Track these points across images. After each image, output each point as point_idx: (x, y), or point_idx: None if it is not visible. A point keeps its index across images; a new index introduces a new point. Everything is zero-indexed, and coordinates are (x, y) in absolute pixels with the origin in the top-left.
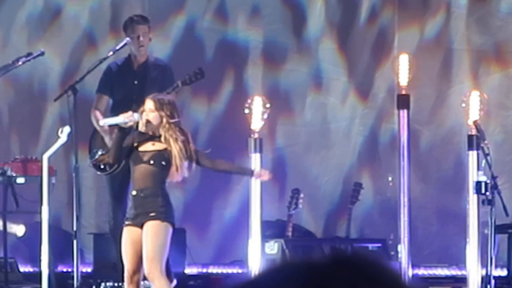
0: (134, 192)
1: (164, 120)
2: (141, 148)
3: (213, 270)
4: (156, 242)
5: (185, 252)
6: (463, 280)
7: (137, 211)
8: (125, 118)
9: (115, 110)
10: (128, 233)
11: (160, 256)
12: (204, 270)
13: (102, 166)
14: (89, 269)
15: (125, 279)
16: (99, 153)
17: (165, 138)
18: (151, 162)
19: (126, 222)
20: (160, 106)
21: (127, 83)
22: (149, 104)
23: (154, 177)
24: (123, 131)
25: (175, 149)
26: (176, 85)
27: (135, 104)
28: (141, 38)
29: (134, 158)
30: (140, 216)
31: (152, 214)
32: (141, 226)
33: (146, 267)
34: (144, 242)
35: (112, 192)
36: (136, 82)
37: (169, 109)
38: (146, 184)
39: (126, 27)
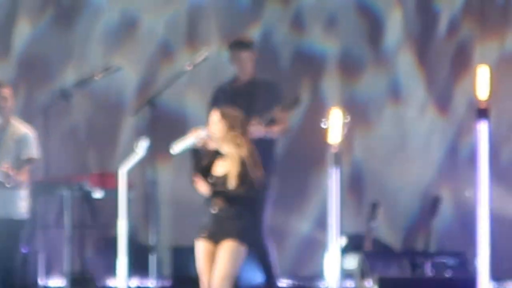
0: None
1: (226, 129)
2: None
3: (290, 283)
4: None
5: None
6: None
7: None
8: (193, 138)
9: None
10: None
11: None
12: (283, 285)
13: None
14: (167, 284)
15: None
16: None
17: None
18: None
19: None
20: (223, 116)
21: (233, 101)
22: (214, 115)
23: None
24: (196, 154)
25: (240, 155)
26: (274, 111)
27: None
28: (241, 64)
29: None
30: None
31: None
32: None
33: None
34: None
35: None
36: (242, 100)
37: (234, 120)
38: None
39: (229, 49)
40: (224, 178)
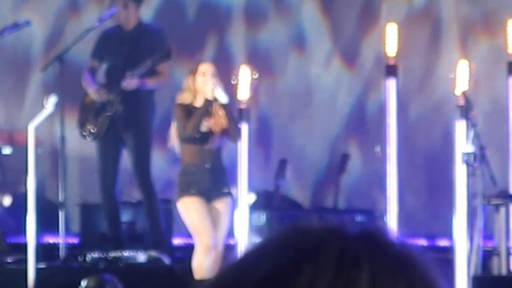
0: (208, 165)
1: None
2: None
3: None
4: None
5: (171, 223)
6: (451, 251)
7: (210, 185)
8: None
9: (108, 75)
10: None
11: None
12: (191, 241)
13: (84, 133)
14: (75, 240)
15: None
16: (88, 121)
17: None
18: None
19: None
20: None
21: (118, 49)
22: (211, 68)
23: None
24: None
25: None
26: (146, 65)
27: (127, 70)
28: (128, 10)
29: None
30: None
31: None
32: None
33: (221, 242)
34: (220, 218)
35: (105, 163)
36: (126, 48)
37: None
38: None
39: None
40: (208, 134)
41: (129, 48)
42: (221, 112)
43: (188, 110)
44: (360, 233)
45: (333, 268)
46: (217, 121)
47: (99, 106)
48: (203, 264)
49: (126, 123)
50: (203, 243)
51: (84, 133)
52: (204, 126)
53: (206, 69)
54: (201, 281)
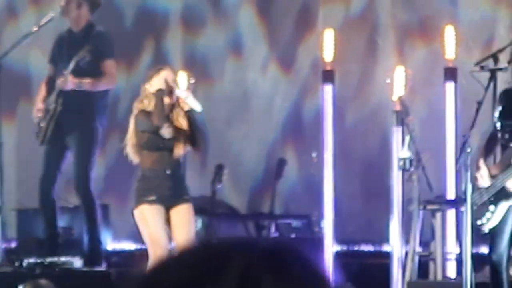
0: (169, 171)
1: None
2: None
3: (136, 246)
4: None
5: (108, 228)
6: (387, 256)
7: (170, 191)
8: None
9: (53, 79)
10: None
11: None
12: (127, 247)
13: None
14: (11, 245)
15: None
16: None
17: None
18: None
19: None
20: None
21: (68, 53)
22: (172, 73)
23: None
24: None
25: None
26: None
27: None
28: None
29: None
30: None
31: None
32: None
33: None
34: (185, 223)
35: (46, 167)
36: (75, 50)
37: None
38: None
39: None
40: (172, 140)
41: (74, 48)
42: (182, 119)
43: (148, 118)
44: (268, 250)
45: None
46: (179, 127)
47: (45, 111)
48: None
49: (70, 126)
50: (156, 254)
51: (36, 136)
52: (168, 133)
53: (167, 74)
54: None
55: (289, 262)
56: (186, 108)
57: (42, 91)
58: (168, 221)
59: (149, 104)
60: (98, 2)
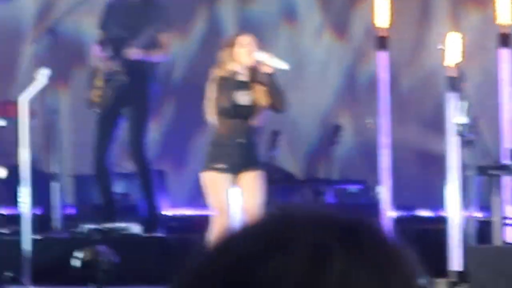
0: (242, 140)
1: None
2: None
3: (191, 211)
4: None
5: (164, 194)
6: (444, 221)
7: (241, 159)
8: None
9: (113, 47)
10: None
11: None
12: (184, 212)
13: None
14: (70, 211)
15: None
16: (94, 90)
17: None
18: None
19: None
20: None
21: (122, 20)
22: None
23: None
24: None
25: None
26: (148, 34)
27: (128, 41)
28: None
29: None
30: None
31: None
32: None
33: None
34: (254, 190)
35: (100, 134)
36: (131, 19)
37: None
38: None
39: None
40: (250, 108)
41: (134, 19)
42: (262, 84)
43: (227, 84)
44: (343, 223)
45: (305, 259)
46: (259, 94)
47: (106, 77)
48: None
49: (128, 95)
50: (218, 220)
51: (88, 102)
52: (245, 100)
53: (248, 40)
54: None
55: (365, 238)
56: (268, 71)
57: (97, 56)
58: (238, 186)
59: (226, 71)
60: None
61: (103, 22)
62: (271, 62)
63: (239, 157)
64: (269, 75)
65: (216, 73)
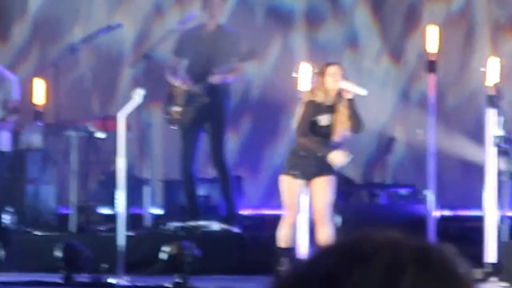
0: (320, 154)
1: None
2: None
3: (263, 211)
4: None
5: (241, 196)
6: (481, 219)
7: (314, 168)
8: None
9: (189, 71)
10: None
11: None
12: (258, 212)
13: (169, 119)
14: (159, 212)
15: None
16: (175, 109)
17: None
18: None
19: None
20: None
21: (198, 48)
22: (340, 70)
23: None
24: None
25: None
26: (233, 63)
27: (209, 67)
28: (211, 9)
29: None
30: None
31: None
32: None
33: (320, 212)
34: (320, 193)
35: (185, 146)
36: (206, 47)
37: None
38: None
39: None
40: (329, 128)
41: (209, 47)
42: (345, 108)
43: (315, 107)
44: (416, 246)
45: (382, 273)
46: (340, 118)
47: (187, 97)
48: (286, 235)
49: (208, 113)
50: (288, 219)
51: (169, 119)
52: (327, 121)
53: (335, 70)
54: (282, 249)
55: (434, 258)
56: (349, 96)
57: (175, 79)
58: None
59: (316, 96)
60: None
61: (179, 49)
62: (353, 89)
63: (313, 167)
64: (350, 100)
65: (307, 97)
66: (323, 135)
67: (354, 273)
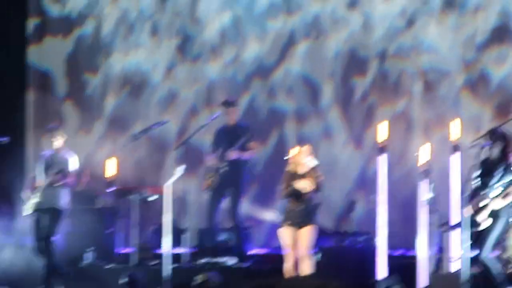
0: (300, 207)
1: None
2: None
3: (267, 250)
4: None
5: (250, 239)
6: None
7: (300, 218)
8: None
9: (218, 152)
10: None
11: None
12: (262, 251)
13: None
14: (193, 251)
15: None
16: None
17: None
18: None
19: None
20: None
21: (225, 137)
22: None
23: None
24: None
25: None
26: (239, 142)
27: (226, 150)
28: (229, 115)
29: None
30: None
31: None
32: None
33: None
34: (302, 239)
35: (211, 206)
36: (229, 135)
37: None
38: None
39: (223, 105)
40: (304, 189)
41: (230, 136)
42: (310, 174)
43: (292, 176)
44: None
45: None
46: (310, 181)
47: (215, 169)
48: (287, 270)
49: (229, 181)
50: (287, 258)
51: (204, 186)
52: (301, 185)
53: (304, 149)
54: (288, 279)
55: None
56: (313, 165)
57: (210, 159)
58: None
59: (292, 168)
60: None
61: (215, 140)
62: (314, 162)
63: (299, 218)
64: (314, 168)
65: (288, 169)
66: (300, 195)
67: None
